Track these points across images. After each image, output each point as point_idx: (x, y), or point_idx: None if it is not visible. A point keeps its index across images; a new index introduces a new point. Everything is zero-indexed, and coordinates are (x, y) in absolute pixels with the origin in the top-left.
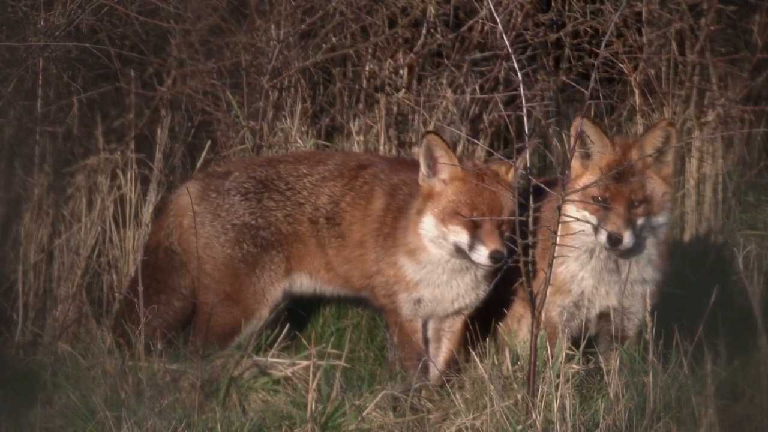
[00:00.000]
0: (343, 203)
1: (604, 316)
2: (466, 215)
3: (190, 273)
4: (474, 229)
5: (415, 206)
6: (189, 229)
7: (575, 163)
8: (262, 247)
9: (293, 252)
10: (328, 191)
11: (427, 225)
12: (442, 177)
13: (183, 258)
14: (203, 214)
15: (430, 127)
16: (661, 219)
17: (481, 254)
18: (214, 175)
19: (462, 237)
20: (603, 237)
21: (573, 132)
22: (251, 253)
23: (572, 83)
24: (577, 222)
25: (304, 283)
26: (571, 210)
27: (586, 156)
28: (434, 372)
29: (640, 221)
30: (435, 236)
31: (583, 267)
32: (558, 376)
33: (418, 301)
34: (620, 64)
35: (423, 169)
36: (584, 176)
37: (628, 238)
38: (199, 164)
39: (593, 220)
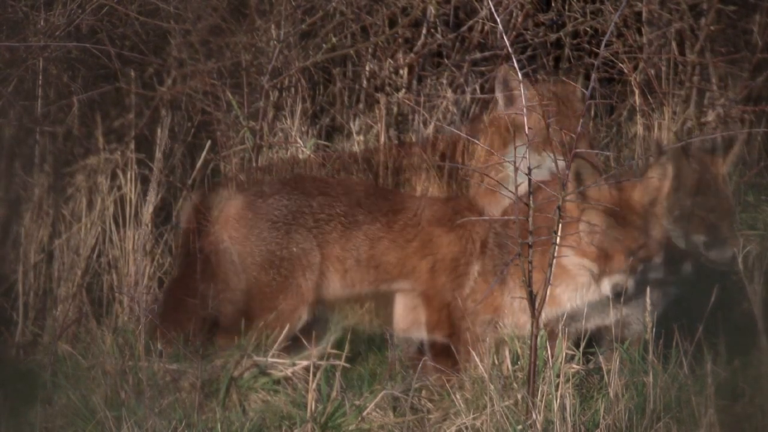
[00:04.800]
0: (381, 246)
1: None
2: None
3: (217, 285)
4: None
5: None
6: (229, 246)
7: None
8: (286, 277)
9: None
10: (361, 235)
11: None
12: None
13: (214, 268)
14: (240, 231)
15: (431, 128)
16: None
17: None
18: (258, 195)
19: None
20: (727, 254)
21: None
22: (276, 281)
23: (572, 83)
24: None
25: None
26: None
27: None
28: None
29: None
30: None
31: None
32: (558, 376)
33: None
34: (620, 64)
35: None
36: None
37: None
38: (198, 164)
39: (701, 238)
